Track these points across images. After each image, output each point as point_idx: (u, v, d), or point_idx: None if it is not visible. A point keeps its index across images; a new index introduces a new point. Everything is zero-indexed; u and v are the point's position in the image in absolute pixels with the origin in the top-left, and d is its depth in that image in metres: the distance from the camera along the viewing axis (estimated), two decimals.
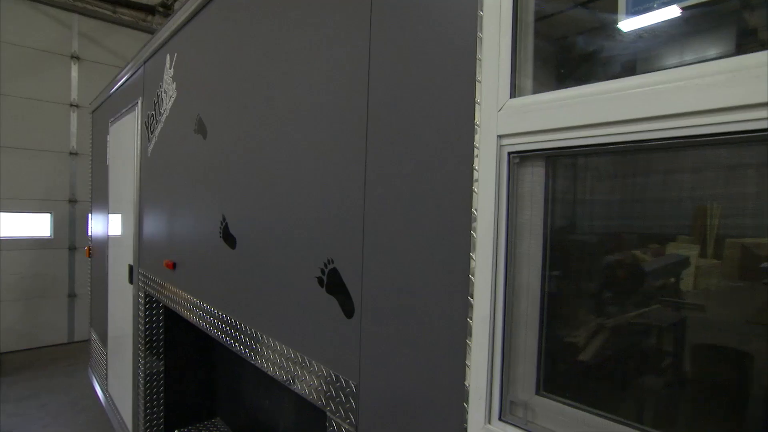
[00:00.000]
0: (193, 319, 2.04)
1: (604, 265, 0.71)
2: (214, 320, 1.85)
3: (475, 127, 0.86)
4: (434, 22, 0.97)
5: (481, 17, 0.87)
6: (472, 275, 0.86)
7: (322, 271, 1.27)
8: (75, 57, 6.22)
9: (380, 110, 1.08)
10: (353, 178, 1.15)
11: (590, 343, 0.72)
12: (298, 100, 1.37)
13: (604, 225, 0.73)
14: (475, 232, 0.85)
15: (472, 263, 0.86)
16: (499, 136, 0.80)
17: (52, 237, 6.19)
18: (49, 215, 6.17)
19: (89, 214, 4.43)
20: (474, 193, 0.86)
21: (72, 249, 6.32)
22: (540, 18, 0.82)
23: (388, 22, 1.07)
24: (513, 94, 0.80)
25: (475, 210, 0.85)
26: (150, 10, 6.33)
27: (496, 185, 0.81)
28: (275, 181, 1.47)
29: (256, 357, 1.55)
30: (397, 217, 1.03)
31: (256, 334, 1.55)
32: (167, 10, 6.29)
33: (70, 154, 6.28)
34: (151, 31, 6.59)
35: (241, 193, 1.68)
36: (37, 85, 5.96)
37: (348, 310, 1.18)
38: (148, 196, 2.70)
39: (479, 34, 0.87)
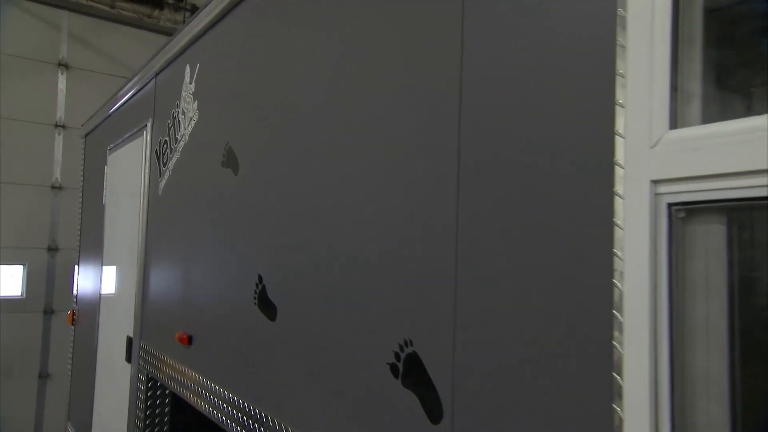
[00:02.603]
0: (211, 412, 2.13)
1: None
2: (240, 415, 1.93)
3: (616, 167, 0.89)
4: (549, 26, 1.02)
5: (623, 18, 0.91)
6: (618, 373, 0.87)
7: (397, 356, 1.31)
8: (63, 64, 6.91)
9: (475, 140, 1.14)
10: (441, 231, 1.20)
11: None
12: (364, 126, 1.46)
13: None
14: (619, 311, 0.87)
15: (616, 354, 0.88)
16: (654, 182, 0.83)
17: (24, 296, 6.63)
18: (21, 267, 6.64)
19: (75, 267, 4.77)
20: (616, 257, 0.88)
21: (48, 313, 6.76)
22: (714, 11, 0.85)
23: (484, 26, 1.15)
24: (673, 124, 0.83)
25: (619, 281, 0.87)
26: (157, 2, 6.95)
27: (651, 248, 0.83)
28: (331, 232, 1.56)
29: None
30: (504, 288, 1.06)
31: None
32: (178, 3, 6.86)
33: (53, 188, 6.86)
34: (158, 30, 7.21)
35: (284, 247, 1.78)
36: (14, 101, 6.59)
37: (433, 412, 1.20)
38: (158, 247, 2.90)
39: (619, 40, 0.91)
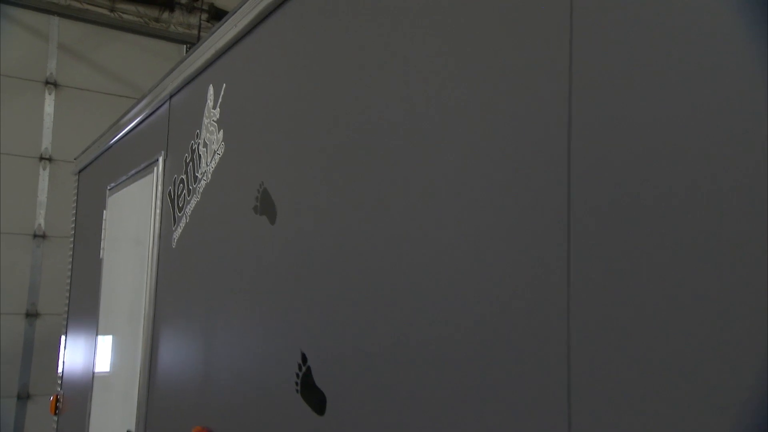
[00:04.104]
0: None
1: None
2: None
3: None
4: (685, 23, 1.04)
5: None
6: None
7: None
8: (51, 82, 7.27)
9: (591, 177, 1.14)
10: (551, 301, 1.20)
11: None
12: (450, 158, 1.47)
13: None
14: None
15: None
16: None
17: None
18: None
19: (62, 338, 4.94)
20: None
21: (23, 398, 6.86)
22: None
23: (598, 18, 1.17)
24: None
25: None
26: (167, 3, 7.27)
27: None
28: (404, 298, 1.56)
29: None
30: (638, 371, 1.05)
31: None
32: (193, 2, 7.16)
33: (35, 236, 7.12)
34: (168, 37, 7.54)
35: (336, 317, 1.80)
36: None
37: None
38: (170, 313, 2.98)
39: None
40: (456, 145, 1.46)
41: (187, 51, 7.80)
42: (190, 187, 2.89)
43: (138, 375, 3.21)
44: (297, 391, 1.95)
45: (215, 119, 2.72)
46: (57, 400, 4.78)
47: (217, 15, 7.70)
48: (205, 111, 2.82)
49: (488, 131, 1.38)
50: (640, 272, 1.06)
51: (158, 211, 3.24)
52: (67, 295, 4.95)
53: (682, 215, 1.01)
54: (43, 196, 7.17)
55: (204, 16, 7.51)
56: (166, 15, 7.39)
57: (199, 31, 7.14)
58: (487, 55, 1.41)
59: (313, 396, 1.87)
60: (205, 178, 2.75)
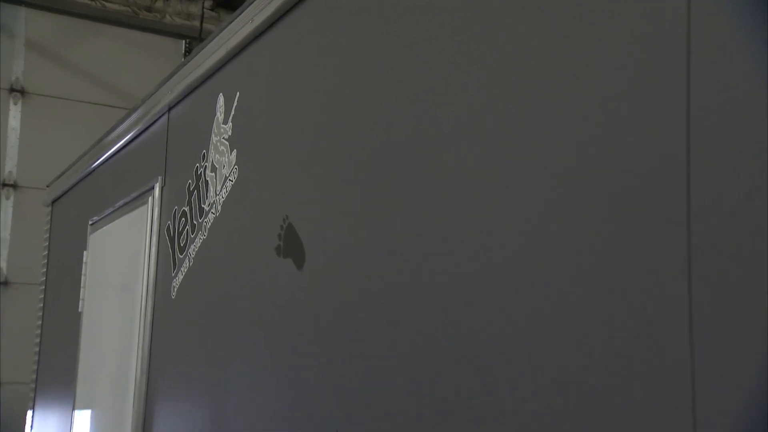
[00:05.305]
0: None
1: None
2: None
3: None
4: None
5: None
6: None
7: None
8: (17, 90, 7.40)
9: (712, 168, 1.13)
10: (669, 309, 1.20)
11: None
12: (542, 172, 1.45)
13: None
14: None
15: None
16: None
17: None
18: None
19: (29, 413, 4.98)
20: None
21: None
22: None
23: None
24: None
25: None
26: None
27: None
28: (480, 360, 1.54)
29: None
30: None
31: None
32: None
33: None
34: (163, 31, 7.62)
35: (378, 388, 1.80)
36: None
37: None
38: (167, 383, 2.98)
39: None
40: (552, 149, 1.43)
41: (186, 47, 7.91)
42: (195, 222, 2.90)
43: None
44: None
45: (226, 137, 2.74)
46: None
47: (223, 2, 7.74)
48: (214, 127, 2.84)
49: (597, 130, 1.36)
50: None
51: (154, 251, 3.26)
52: (36, 358, 4.99)
53: None
54: (5, 232, 7.26)
55: (207, 3, 7.52)
56: (160, 3, 7.44)
57: (202, 23, 7.15)
58: (595, 46, 1.39)
59: None
60: (213, 210, 2.76)
